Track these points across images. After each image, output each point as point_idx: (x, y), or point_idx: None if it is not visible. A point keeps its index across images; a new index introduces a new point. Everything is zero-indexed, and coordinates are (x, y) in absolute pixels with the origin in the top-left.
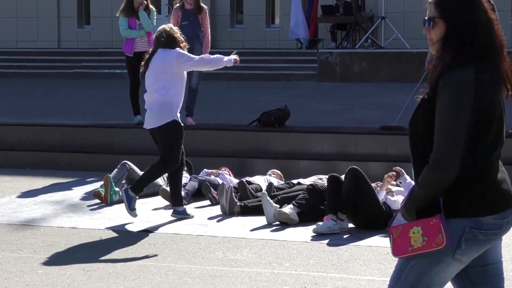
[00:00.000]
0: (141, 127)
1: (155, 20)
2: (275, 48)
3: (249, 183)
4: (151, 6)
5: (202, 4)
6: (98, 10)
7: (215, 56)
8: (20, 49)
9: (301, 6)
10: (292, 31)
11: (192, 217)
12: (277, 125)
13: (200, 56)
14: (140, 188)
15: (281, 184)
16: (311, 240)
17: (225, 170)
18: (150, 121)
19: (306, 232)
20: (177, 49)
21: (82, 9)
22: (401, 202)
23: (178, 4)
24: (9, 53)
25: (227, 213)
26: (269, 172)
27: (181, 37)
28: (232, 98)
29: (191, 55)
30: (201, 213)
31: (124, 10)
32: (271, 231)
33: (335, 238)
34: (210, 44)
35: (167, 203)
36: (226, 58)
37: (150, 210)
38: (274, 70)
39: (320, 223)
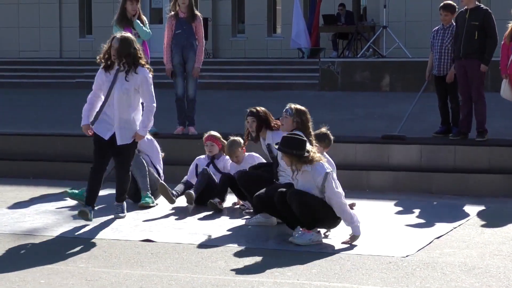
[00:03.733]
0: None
1: (149, 29)
2: (276, 57)
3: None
4: (143, 16)
5: (196, 12)
6: (100, 20)
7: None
8: (23, 58)
9: (303, 15)
10: (293, 40)
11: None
12: None
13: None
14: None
15: None
16: (313, 249)
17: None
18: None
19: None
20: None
21: (84, 19)
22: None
23: (172, 13)
24: (11, 62)
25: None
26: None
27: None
28: (234, 107)
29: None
30: (203, 222)
31: (119, 20)
32: (273, 240)
33: (336, 247)
34: (203, 52)
35: (169, 212)
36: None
37: (152, 219)
38: (275, 80)
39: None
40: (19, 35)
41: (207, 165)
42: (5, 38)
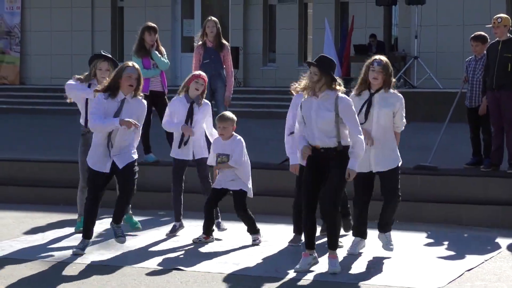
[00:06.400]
0: (167, 164)
1: (167, 60)
2: None
3: None
4: (161, 47)
5: (223, 41)
6: (132, 48)
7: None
8: (54, 85)
9: (334, 45)
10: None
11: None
12: None
13: None
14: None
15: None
16: (340, 279)
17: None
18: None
19: (342, 273)
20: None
21: (116, 47)
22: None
23: (200, 42)
24: (43, 89)
25: None
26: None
27: None
28: (263, 136)
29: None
30: (233, 251)
31: (137, 51)
32: (303, 269)
33: (365, 278)
34: (233, 80)
35: (196, 239)
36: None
37: (181, 246)
38: None
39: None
40: (51, 62)
41: (189, 114)
42: (37, 65)
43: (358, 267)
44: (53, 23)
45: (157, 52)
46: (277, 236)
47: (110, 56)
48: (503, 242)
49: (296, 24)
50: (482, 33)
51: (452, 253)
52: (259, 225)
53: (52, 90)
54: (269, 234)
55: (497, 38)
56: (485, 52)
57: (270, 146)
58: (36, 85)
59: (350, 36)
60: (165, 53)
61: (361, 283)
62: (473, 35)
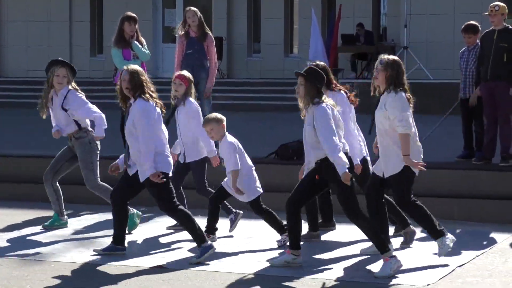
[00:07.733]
0: None
1: (147, 50)
2: (293, 78)
3: None
4: (141, 38)
5: (207, 31)
6: (111, 39)
7: None
8: (31, 78)
9: (321, 34)
10: (311, 60)
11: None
12: (295, 157)
13: None
14: None
15: None
16: (328, 276)
17: None
18: None
19: (328, 270)
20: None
21: (95, 38)
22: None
23: (182, 32)
24: (19, 82)
25: None
26: None
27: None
28: (249, 129)
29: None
30: (217, 247)
31: (117, 42)
32: (289, 267)
33: (352, 274)
34: (216, 72)
35: (184, 236)
36: None
37: (164, 244)
38: (292, 101)
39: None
40: (27, 54)
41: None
42: (12, 57)
43: (348, 263)
44: (29, 13)
45: (137, 43)
46: (263, 232)
47: (67, 62)
48: (495, 237)
49: (282, 13)
50: (472, 22)
51: None
52: (242, 221)
53: (29, 83)
54: (254, 230)
55: (493, 27)
56: (478, 42)
57: (256, 139)
58: (12, 77)
59: (338, 25)
60: (145, 43)
61: (352, 279)
62: (464, 27)
